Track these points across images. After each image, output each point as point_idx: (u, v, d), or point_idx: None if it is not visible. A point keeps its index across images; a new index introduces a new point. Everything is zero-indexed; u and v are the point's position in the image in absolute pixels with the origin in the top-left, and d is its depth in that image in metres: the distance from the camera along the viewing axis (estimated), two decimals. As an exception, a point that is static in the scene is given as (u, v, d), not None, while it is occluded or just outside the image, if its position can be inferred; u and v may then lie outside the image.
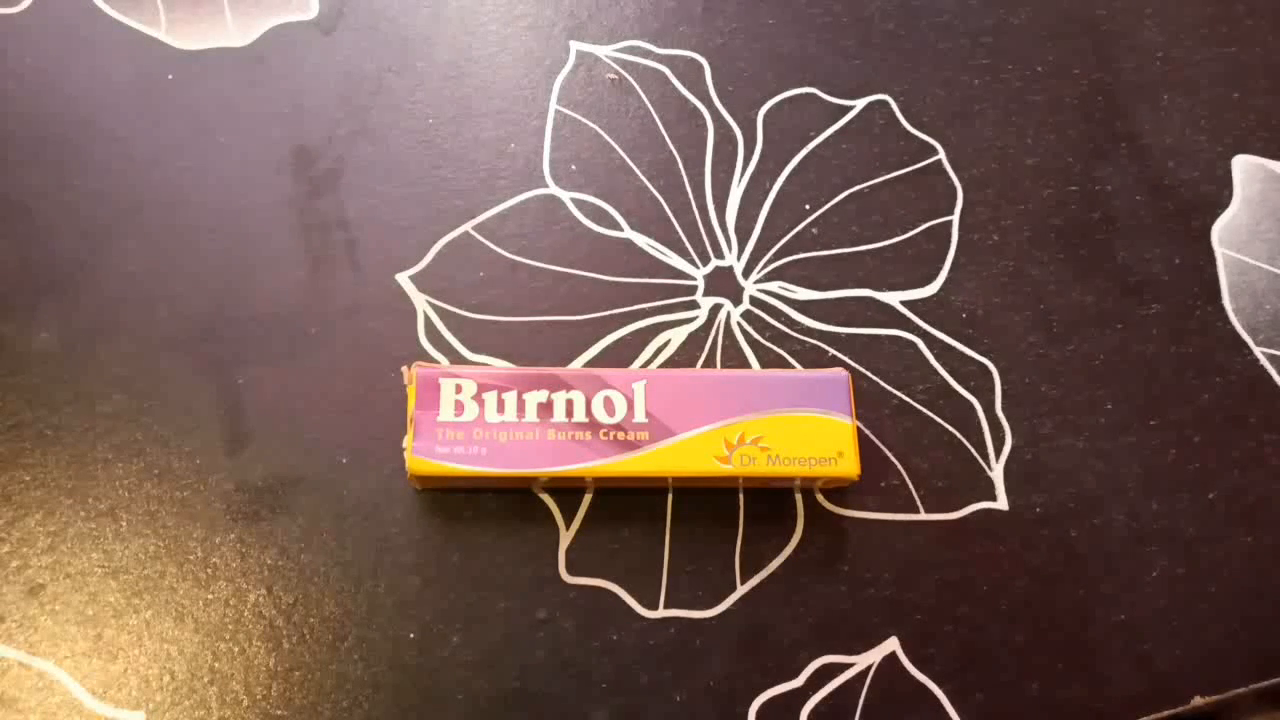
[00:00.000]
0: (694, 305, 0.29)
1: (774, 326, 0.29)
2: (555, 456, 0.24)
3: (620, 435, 0.25)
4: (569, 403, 0.25)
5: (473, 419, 0.25)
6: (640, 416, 0.25)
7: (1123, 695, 0.26)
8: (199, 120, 0.31)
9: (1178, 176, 0.32)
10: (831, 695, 0.25)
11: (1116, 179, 0.32)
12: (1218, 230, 0.32)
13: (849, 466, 0.25)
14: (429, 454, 0.24)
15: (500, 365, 0.28)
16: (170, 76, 0.31)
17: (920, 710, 0.26)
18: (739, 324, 0.29)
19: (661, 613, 0.26)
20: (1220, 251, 0.32)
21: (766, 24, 0.34)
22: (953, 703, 0.26)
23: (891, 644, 0.26)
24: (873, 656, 0.26)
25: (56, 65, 0.31)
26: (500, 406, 0.25)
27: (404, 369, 0.25)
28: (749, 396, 0.25)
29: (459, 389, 0.25)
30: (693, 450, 0.25)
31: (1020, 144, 0.32)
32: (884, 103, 0.33)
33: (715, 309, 0.29)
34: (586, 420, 0.25)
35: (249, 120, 0.31)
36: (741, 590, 0.26)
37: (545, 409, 0.25)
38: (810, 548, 0.27)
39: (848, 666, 0.26)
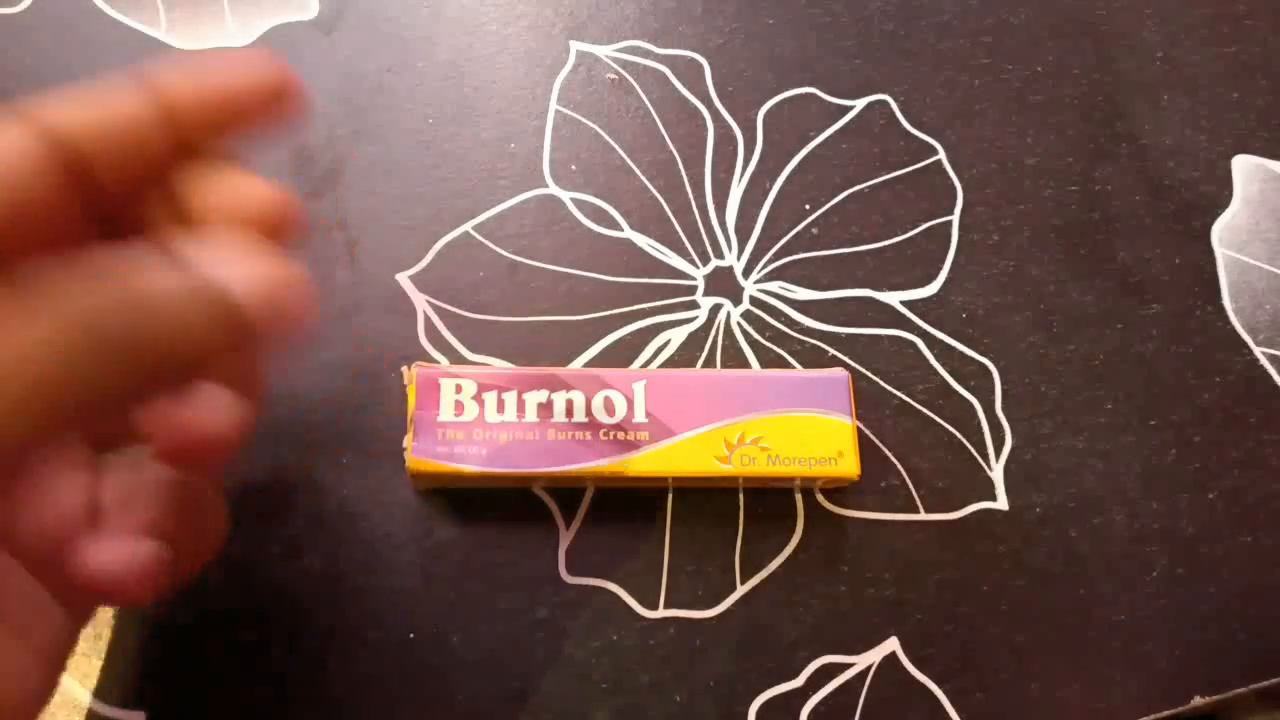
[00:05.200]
0: (694, 305, 0.29)
1: (774, 326, 0.29)
2: (555, 456, 0.24)
3: (620, 435, 0.25)
4: (569, 403, 0.25)
5: (473, 419, 0.25)
6: (640, 416, 0.25)
7: (1123, 695, 0.26)
8: (199, 120, 0.30)
9: (1178, 176, 0.32)
10: (831, 695, 0.25)
11: (1116, 179, 0.32)
12: (1218, 230, 0.32)
13: (849, 466, 0.25)
14: (429, 454, 0.24)
15: (500, 365, 0.28)
16: (170, 76, 0.31)
17: (920, 710, 0.26)
18: (739, 324, 0.29)
19: (661, 613, 0.26)
20: (1220, 251, 0.32)
21: (766, 24, 0.34)
22: (953, 703, 0.26)
23: (891, 644, 0.26)
24: (873, 656, 0.26)
25: (56, 65, 0.31)
26: (500, 406, 0.25)
27: (404, 369, 0.25)
28: (749, 396, 0.25)
29: (459, 389, 0.25)
30: (693, 450, 0.25)
31: (1020, 144, 0.32)
32: (884, 103, 0.33)
33: (715, 309, 0.29)
34: (586, 420, 0.25)
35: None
36: (741, 590, 0.26)
37: (545, 409, 0.25)
38: (810, 548, 0.27)
39: (848, 666, 0.26)
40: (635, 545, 0.26)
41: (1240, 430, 0.29)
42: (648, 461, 0.25)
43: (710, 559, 0.26)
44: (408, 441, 0.24)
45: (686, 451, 0.25)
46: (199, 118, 0.16)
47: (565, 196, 0.30)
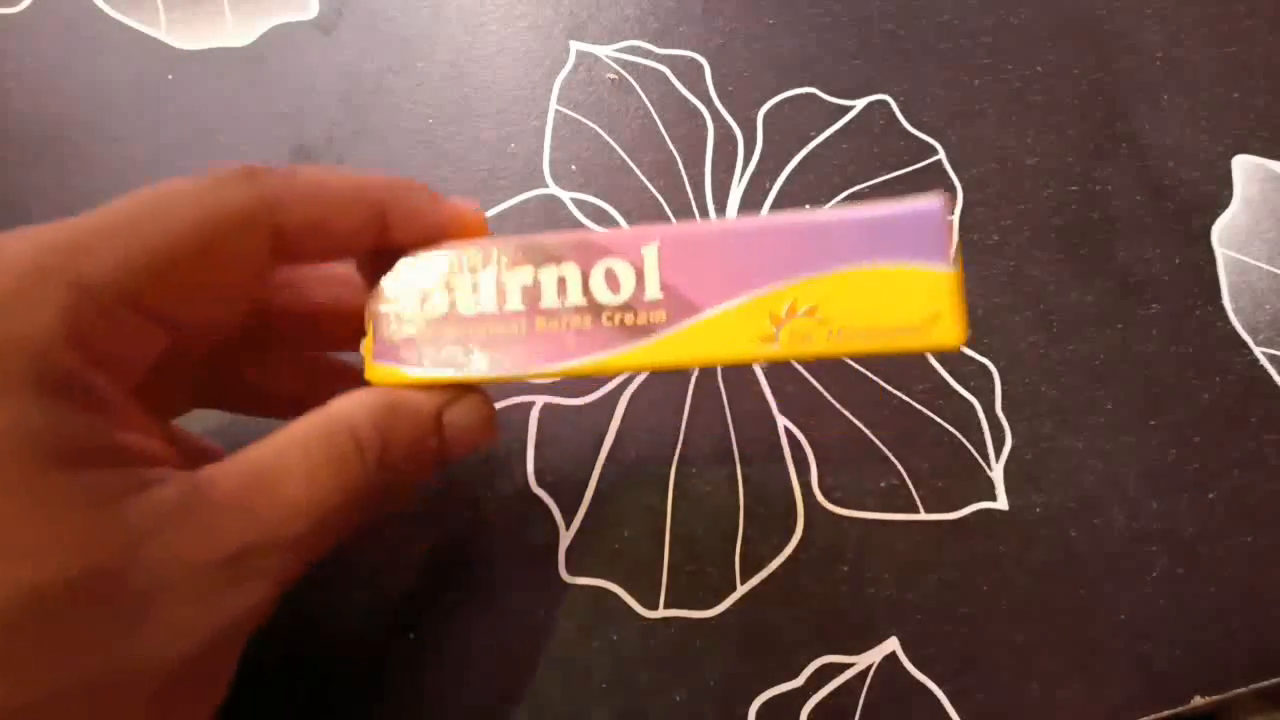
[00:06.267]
0: (694, 305, 0.29)
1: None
2: (549, 352, 0.19)
3: (629, 319, 0.19)
4: (560, 280, 0.19)
5: (443, 313, 0.20)
6: (653, 291, 0.19)
7: (1123, 695, 0.26)
8: (199, 120, 0.31)
9: (1178, 176, 0.32)
10: (831, 695, 0.25)
11: (1116, 179, 0.32)
12: (1218, 230, 0.32)
13: (947, 333, 0.18)
14: (393, 359, 0.20)
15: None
16: (170, 76, 0.31)
17: (920, 710, 0.26)
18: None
19: (661, 613, 0.26)
20: (1220, 251, 0.32)
21: (766, 24, 0.34)
22: (953, 703, 0.26)
23: (891, 644, 0.26)
24: (873, 656, 0.26)
25: (56, 65, 0.31)
26: (474, 292, 0.20)
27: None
28: (799, 250, 0.18)
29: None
30: (726, 330, 0.19)
31: (1020, 144, 0.32)
32: (884, 103, 0.33)
33: (715, 309, 0.29)
34: (584, 302, 0.19)
35: (249, 120, 0.31)
36: (741, 590, 0.26)
37: (531, 292, 0.19)
38: (810, 548, 0.27)
39: (848, 666, 0.26)
40: (635, 545, 0.27)
41: (1240, 430, 0.29)
42: (668, 349, 0.19)
43: (710, 559, 0.26)
44: (366, 346, 0.20)
45: (718, 332, 0.19)
46: (407, 225, 0.20)
47: (565, 196, 0.30)
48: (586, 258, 0.19)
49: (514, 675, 0.25)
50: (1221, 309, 0.31)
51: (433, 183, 0.30)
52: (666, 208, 0.31)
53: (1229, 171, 0.33)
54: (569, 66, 0.32)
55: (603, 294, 0.19)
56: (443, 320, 0.20)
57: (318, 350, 0.22)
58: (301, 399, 0.20)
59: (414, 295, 0.20)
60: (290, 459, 0.17)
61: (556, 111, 0.32)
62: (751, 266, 0.19)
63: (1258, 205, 0.32)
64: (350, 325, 0.21)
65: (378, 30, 0.32)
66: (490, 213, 0.30)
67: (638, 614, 0.26)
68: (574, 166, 0.31)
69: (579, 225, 0.30)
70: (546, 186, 0.31)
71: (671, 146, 0.31)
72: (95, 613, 0.15)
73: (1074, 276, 0.31)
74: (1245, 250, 0.32)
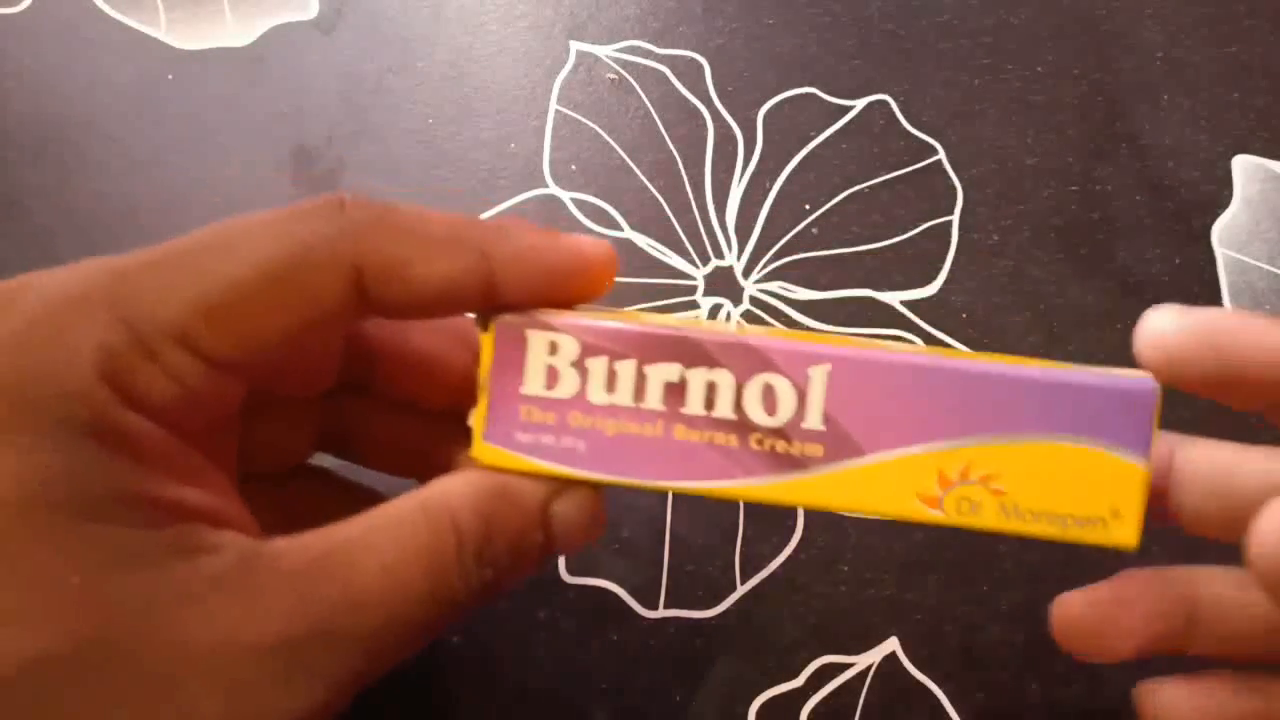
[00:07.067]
0: (694, 305, 0.29)
1: (774, 327, 0.29)
2: (684, 465, 0.17)
3: (780, 446, 0.17)
4: (710, 387, 0.17)
5: (570, 395, 0.17)
6: (814, 420, 0.17)
7: (1123, 695, 0.26)
8: (199, 120, 0.31)
9: (1178, 176, 0.32)
10: (831, 695, 0.25)
11: (1116, 179, 0.32)
12: (1218, 230, 0.32)
13: (1126, 534, 0.17)
14: (506, 441, 0.17)
15: (613, 319, 0.18)
16: (170, 76, 0.31)
17: (920, 710, 0.26)
18: (739, 324, 0.29)
19: (661, 613, 0.26)
20: (1220, 251, 0.32)
21: (766, 24, 0.34)
22: (953, 703, 0.26)
23: (891, 644, 0.26)
24: (873, 656, 0.26)
25: (56, 65, 0.31)
26: (610, 381, 0.17)
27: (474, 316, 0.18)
28: (986, 404, 0.16)
29: (553, 348, 0.17)
30: (887, 482, 0.17)
31: (1020, 144, 0.32)
32: (884, 103, 0.33)
33: (715, 309, 0.29)
34: (734, 417, 0.17)
35: (249, 120, 0.31)
36: (741, 590, 0.26)
37: (675, 392, 0.17)
38: (810, 548, 0.27)
39: (848, 666, 0.26)
40: (635, 545, 0.27)
41: (1240, 430, 0.29)
42: (818, 490, 0.17)
43: (710, 559, 0.26)
44: (476, 419, 0.17)
45: (877, 483, 0.17)
46: (518, 283, 0.17)
47: (565, 196, 0.30)
48: (745, 366, 0.17)
49: (514, 675, 0.25)
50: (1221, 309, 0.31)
51: (432, 183, 0.30)
52: (666, 208, 0.31)
53: (1229, 171, 0.33)
54: (569, 66, 0.32)
55: (756, 412, 0.17)
56: (569, 404, 0.17)
57: (421, 405, 0.20)
58: (413, 457, 0.19)
59: (539, 370, 0.17)
60: (376, 540, 0.15)
61: (556, 111, 0.32)
62: (928, 413, 0.16)
63: (1258, 205, 0.32)
64: (458, 383, 0.19)
65: (378, 30, 0.32)
66: (490, 213, 0.30)
67: (638, 614, 0.26)
68: (574, 166, 0.31)
69: (579, 225, 0.30)
70: (546, 186, 0.31)
71: (671, 146, 0.31)
72: (99, 693, 0.13)
73: (1074, 276, 0.31)
74: (1245, 250, 0.32)
